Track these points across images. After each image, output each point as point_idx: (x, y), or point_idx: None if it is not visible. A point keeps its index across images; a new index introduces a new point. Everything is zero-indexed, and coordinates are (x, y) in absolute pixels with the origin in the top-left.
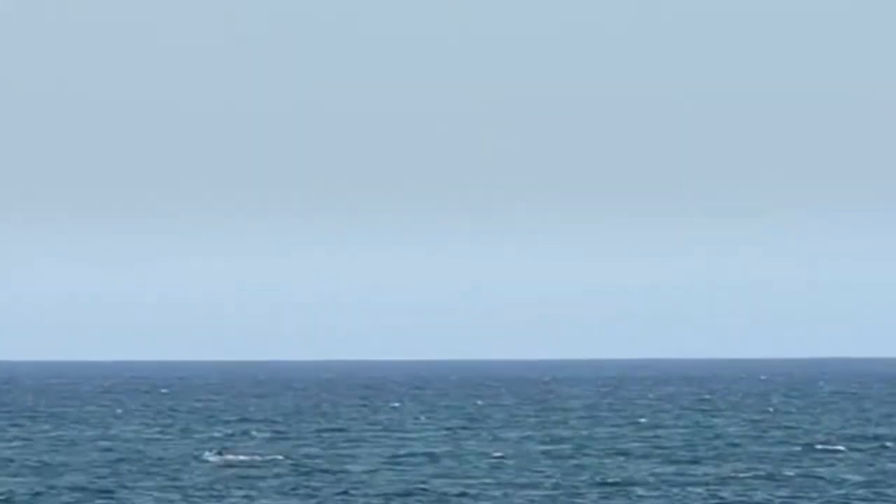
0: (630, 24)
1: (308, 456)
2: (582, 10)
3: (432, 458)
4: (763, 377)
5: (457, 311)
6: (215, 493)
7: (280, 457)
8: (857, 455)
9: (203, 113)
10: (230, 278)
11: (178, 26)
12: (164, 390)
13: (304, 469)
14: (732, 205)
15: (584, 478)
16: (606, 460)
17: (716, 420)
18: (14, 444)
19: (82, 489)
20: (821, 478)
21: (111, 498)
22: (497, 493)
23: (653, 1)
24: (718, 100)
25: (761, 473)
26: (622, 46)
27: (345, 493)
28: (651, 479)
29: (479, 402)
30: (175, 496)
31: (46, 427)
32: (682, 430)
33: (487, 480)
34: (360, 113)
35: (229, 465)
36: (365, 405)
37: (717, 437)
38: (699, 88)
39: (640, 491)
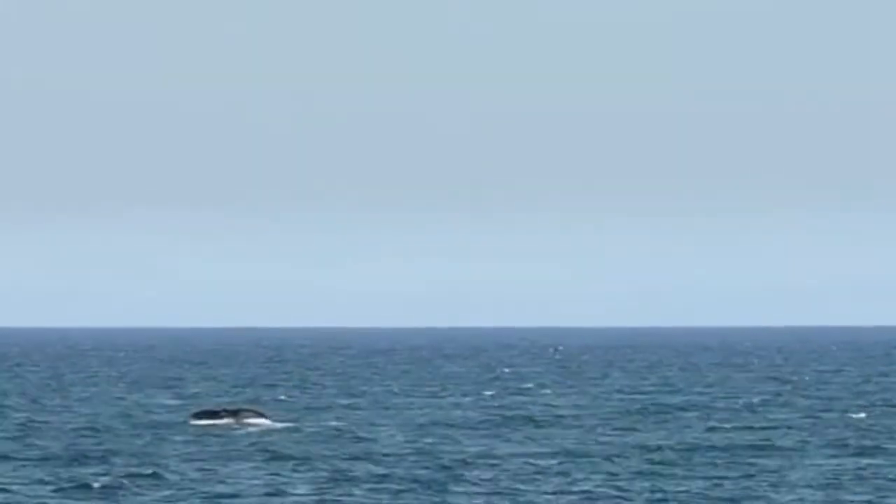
0: (630, 24)
1: (339, 419)
2: (582, 10)
3: (469, 424)
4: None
5: (456, 311)
6: (239, 457)
7: (293, 423)
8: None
9: (203, 113)
10: (230, 278)
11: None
12: (183, 358)
13: (333, 435)
14: (732, 205)
15: (626, 441)
16: (651, 423)
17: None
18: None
19: (110, 455)
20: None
21: (154, 465)
22: (542, 460)
23: (653, 1)
24: (718, 100)
25: (794, 437)
26: (622, 46)
27: (381, 456)
28: (701, 444)
29: (507, 370)
30: (206, 464)
31: (75, 390)
32: (709, 397)
33: (531, 445)
34: (360, 113)
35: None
36: (392, 365)
37: (749, 405)
38: (699, 88)
39: (689, 457)
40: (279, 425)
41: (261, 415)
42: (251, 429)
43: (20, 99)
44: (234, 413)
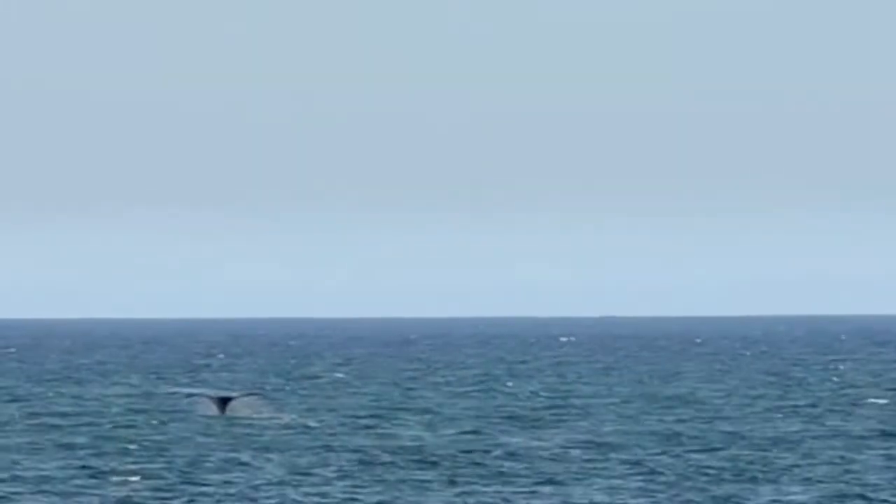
0: (630, 24)
1: (357, 408)
2: (582, 10)
3: (484, 413)
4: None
5: (454, 311)
6: (264, 450)
7: (309, 413)
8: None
9: (203, 113)
10: (230, 278)
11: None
12: (220, 354)
13: (352, 425)
14: (732, 205)
15: (648, 429)
16: (672, 411)
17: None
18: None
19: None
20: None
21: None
22: (569, 449)
23: (653, 1)
24: (718, 100)
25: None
26: (622, 46)
27: (403, 446)
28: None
29: (523, 366)
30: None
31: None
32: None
33: (556, 434)
34: (360, 113)
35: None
36: (405, 354)
37: (767, 393)
38: (699, 88)
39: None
40: (295, 415)
41: (270, 402)
42: (264, 420)
43: (20, 99)
44: (243, 401)
